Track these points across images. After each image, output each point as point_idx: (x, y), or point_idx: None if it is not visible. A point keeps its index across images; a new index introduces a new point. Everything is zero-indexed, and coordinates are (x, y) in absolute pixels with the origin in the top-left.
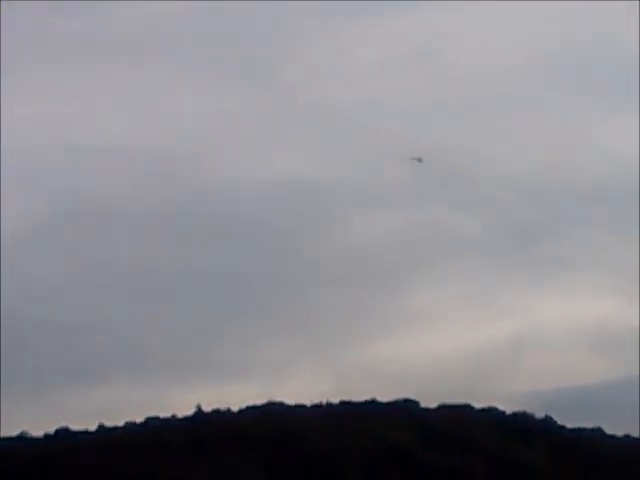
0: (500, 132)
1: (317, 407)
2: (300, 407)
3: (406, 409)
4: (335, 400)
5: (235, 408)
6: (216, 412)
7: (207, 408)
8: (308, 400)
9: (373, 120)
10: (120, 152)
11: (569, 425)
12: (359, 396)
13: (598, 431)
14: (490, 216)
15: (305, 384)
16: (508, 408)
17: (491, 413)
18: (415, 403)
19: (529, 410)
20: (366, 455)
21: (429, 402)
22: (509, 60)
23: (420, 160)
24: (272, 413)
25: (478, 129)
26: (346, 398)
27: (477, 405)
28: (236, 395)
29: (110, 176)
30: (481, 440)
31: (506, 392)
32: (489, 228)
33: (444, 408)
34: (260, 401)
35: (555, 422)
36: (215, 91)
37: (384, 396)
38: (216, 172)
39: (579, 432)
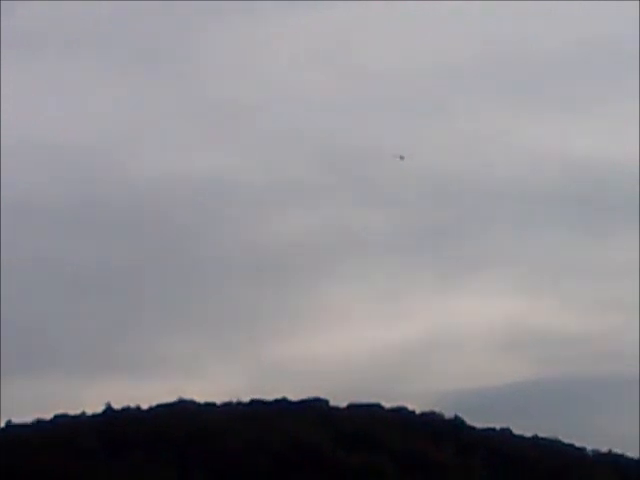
0: (408, 131)
1: (228, 405)
2: (211, 405)
3: (316, 408)
4: (246, 398)
5: (145, 406)
6: (126, 410)
7: (117, 405)
8: (219, 398)
9: (283, 119)
10: (37, 147)
11: (478, 425)
12: (270, 394)
13: (506, 431)
14: (404, 216)
15: (216, 382)
16: (418, 408)
17: (401, 412)
18: (325, 402)
19: (439, 410)
20: (277, 453)
21: (339, 401)
22: (417, 60)
23: (402, 158)
24: (183, 411)
25: (386, 128)
26: (257, 396)
27: (387, 404)
28: (147, 393)
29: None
30: (391, 439)
31: (416, 392)
32: (403, 228)
33: (354, 407)
34: (171, 399)
35: (464, 422)
36: (129, 89)
37: (295, 395)
38: (127, 169)
39: (488, 432)
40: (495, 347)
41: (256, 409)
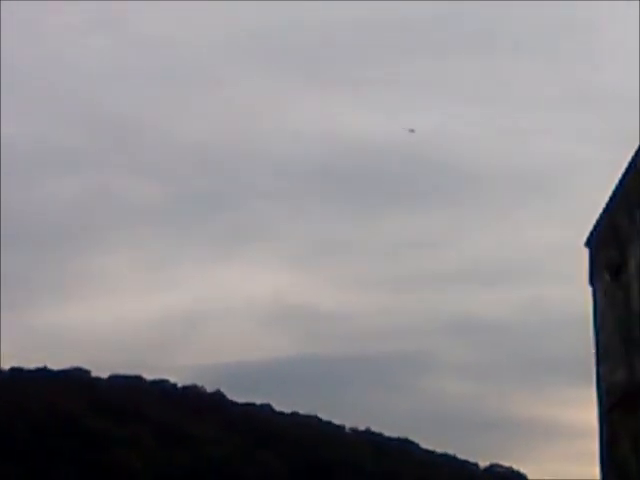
0: (182, 101)
1: None
2: None
3: (77, 377)
4: (6, 366)
5: None
6: None
7: None
8: None
9: (56, 83)
10: None
11: (239, 400)
12: (29, 363)
13: (267, 407)
14: (170, 185)
15: None
16: (180, 381)
17: (162, 385)
18: (86, 372)
19: (200, 384)
20: (35, 421)
21: (100, 372)
22: (194, 30)
23: (412, 130)
24: None
25: (161, 97)
26: (17, 364)
27: (149, 377)
28: None
29: None
30: (152, 412)
31: (178, 365)
32: (169, 197)
33: (115, 378)
34: None
35: (225, 396)
36: None
37: (55, 364)
38: None
39: (248, 407)
40: (258, 322)
41: (16, 376)
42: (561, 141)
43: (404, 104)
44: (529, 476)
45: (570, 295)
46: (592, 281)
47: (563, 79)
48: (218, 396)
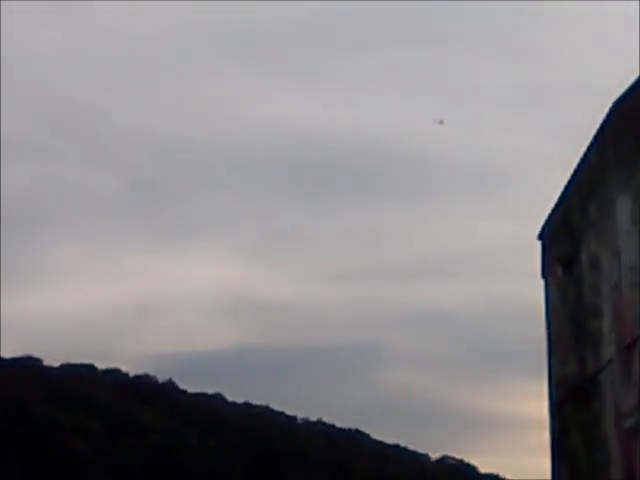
0: (135, 91)
1: None
2: None
3: (28, 366)
4: None
5: None
6: None
7: None
8: None
9: (7, 69)
10: None
11: (191, 390)
12: None
13: (219, 397)
14: (122, 175)
15: None
16: (131, 370)
17: (114, 374)
18: (38, 361)
19: (152, 373)
20: None
21: (52, 360)
22: (151, 22)
23: (442, 122)
24: None
25: (115, 87)
26: None
27: (100, 366)
28: None
29: None
30: (103, 401)
31: (130, 354)
32: (122, 188)
33: (67, 367)
34: None
35: (177, 386)
36: None
37: (6, 352)
38: None
39: (200, 397)
40: (210, 312)
41: None
42: (515, 135)
43: (356, 96)
44: (480, 468)
45: (526, 288)
46: (544, 274)
47: (515, 74)
48: (170, 386)
